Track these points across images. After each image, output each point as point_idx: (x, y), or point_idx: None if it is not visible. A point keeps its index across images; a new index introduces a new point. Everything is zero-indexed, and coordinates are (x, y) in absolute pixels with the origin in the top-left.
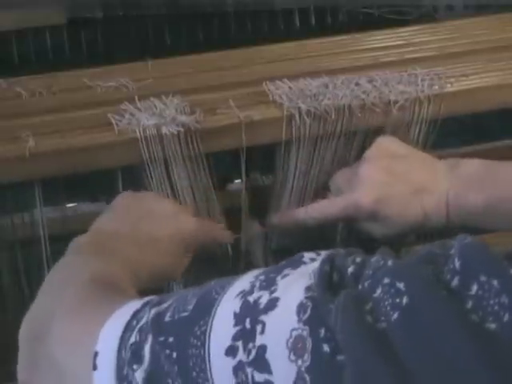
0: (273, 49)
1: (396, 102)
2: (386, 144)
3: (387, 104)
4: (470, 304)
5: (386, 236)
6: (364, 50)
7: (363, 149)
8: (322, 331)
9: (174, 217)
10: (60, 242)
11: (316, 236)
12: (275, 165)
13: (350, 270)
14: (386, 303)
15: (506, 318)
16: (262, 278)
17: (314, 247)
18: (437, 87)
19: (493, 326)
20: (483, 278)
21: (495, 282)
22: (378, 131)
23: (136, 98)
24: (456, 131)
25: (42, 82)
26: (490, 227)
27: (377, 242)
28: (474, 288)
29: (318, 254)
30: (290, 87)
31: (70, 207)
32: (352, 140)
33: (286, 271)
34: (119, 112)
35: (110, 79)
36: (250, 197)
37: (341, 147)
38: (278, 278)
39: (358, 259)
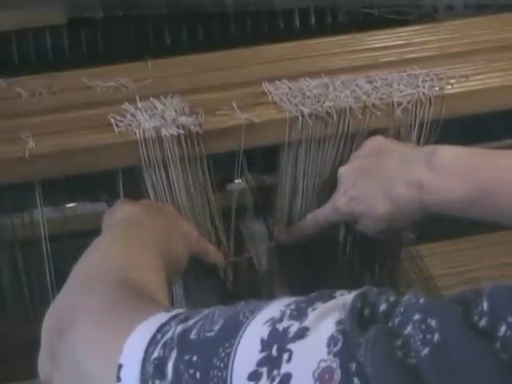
0: (273, 49)
1: (399, 103)
2: (370, 143)
3: (389, 106)
4: (498, 344)
5: (377, 234)
6: (364, 50)
7: None
8: (354, 365)
9: (182, 219)
10: (60, 242)
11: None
12: (277, 165)
13: (383, 307)
14: (417, 339)
15: None
16: (292, 307)
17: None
18: (437, 88)
19: None
20: (511, 320)
21: None
22: (381, 132)
23: (136, 98)
24: (457, 132)
25: (41, 81)
26: (473, 218)
27: (376, 241)
28: (503, 329)
29: (350, 292)
30: (289, 87)
31: (69, 207)
32: (354, 141)
33: (316, 304)
34: (119, 112)
35: (110, 79)
36: (251, 196)
37: (342, 148)
38: (309, 309)
39: (392, 298)
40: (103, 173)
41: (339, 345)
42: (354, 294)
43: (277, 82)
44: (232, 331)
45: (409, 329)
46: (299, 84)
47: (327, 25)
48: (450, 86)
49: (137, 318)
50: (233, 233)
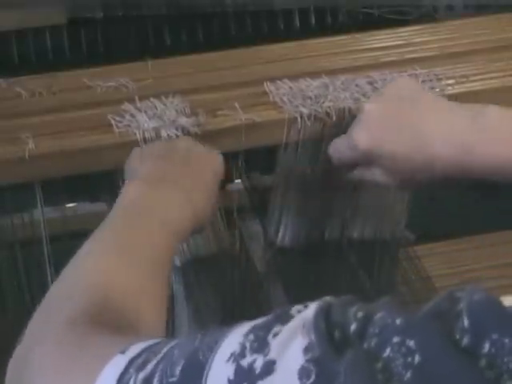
0: (273, 49)
1: None
2: (401, 84)
3: None
4: (483, 362)
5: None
6: (364, 49)
7: None
8: None
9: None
10: (60, 242)
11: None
12: (276, 165)
13: (353, 327)
14: (398, 363)
15: None
16: (251, 337)
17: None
18: (438, 89)
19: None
20: (495, 336)
21: (507, 340)
22: None
23: (136, 98)
24: None
25: (42, 82)
26: None
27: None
28: (487, 346)
29: (306, 306)
30: (290, 87)
31: (69, 207)
32: None
33: (275, 328)
34: (119, 113)
35: (110, 79)
36: (250, 196)
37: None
38: (269, 337)
39: (360, 314)
40: (103, 173)
41: (313, 377)
42: (312, 309)
43: (277, 82)
44: (195, 374)
45: (388, 351)
46: (299, 84)
47: (327, 25)
48: (450, 87)
49: (94, 366)
50: (231, 232)
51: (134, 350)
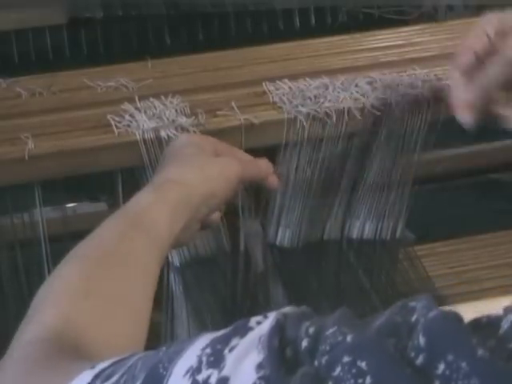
0: (273, 49)
1: (398, 103)
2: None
3: (388, 106)
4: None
5: None
6: (364, 49)
7: (363, 149)
8: None
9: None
10: (60, 242)
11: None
12: (275, 165)
13: (304, 344)
14: (348, 383)
15: None
16: (208, 351)
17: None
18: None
19: None
20: (450, 358)
21: (464, 364)
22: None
23: (136, 98)
24: (457, 132)
25: (42, 81)
26: None
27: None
28: (441, 367)
29: (265, 317)
30: (290, 88)
31: (69, 207)
32: (353, 141)
33: (233, 341)
34: (119, 113)
35: (110, 79)
36: (250, 196)
37: (341, 147)
38: (226, 351)
39: (311, 330)
40: (103, 173)
41: None
42: (269, 322)
43: (277, 82)
44: None
45: (338, 371)
46: (299, 84)
47: (327, 25)
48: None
49: (60, 381)
50: (231, 232)
51: (104, 364)
